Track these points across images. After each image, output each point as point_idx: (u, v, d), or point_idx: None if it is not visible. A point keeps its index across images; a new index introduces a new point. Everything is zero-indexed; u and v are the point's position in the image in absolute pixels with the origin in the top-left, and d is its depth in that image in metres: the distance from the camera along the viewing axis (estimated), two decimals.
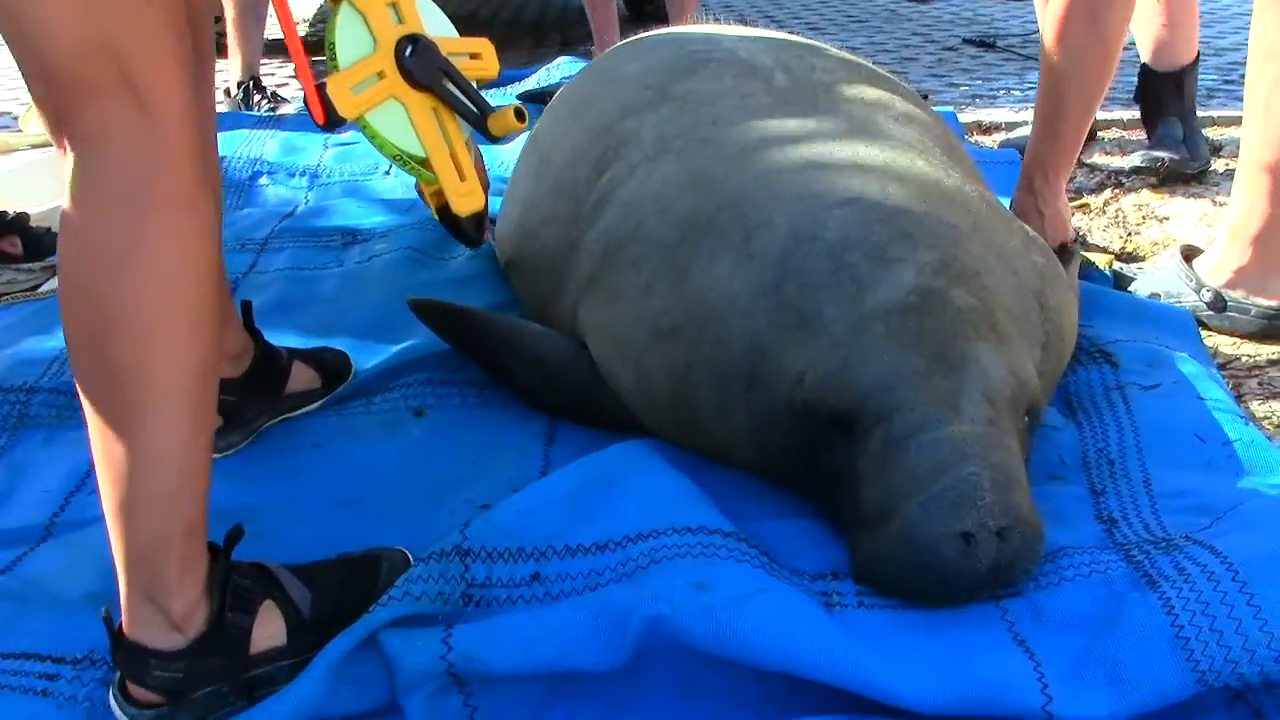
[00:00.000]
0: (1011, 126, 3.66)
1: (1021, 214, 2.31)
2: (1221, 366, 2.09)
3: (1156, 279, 2.35)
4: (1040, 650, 1.31)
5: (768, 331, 1.55)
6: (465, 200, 1.53)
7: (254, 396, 1.83)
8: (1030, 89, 4.25)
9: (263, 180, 3.13)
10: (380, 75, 1.51)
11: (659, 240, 1.71)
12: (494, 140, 1.58)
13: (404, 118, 1.49)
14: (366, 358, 2.03)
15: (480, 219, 1.74)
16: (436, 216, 1.76)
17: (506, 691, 1.31)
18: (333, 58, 1.54)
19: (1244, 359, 2.15)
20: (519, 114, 1.54)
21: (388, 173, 3.06)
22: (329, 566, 1.44)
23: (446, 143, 1.53)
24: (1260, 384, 2.06)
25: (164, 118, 1.17)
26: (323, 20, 5.72)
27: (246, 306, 1.86)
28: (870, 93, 1.99)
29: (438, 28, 1.69)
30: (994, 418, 1.44)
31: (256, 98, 4.12)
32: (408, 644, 1.30)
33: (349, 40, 1.55)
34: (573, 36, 5.54)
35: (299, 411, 1.91)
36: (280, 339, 1.92)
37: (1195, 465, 1.69)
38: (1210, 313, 2.25)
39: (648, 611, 1.29)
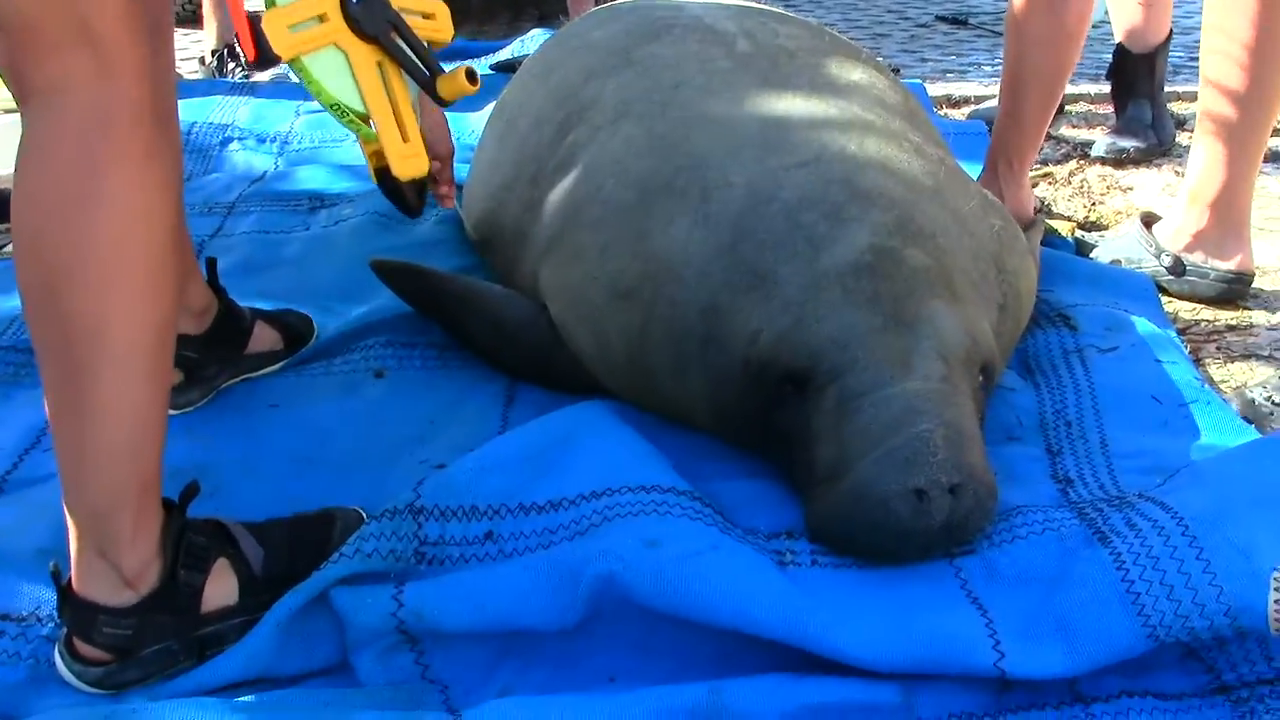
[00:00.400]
0: (980, 100, 3.66)
1: None
2: (1181, 331, 2.10)
3: (1117, 245, 2.36)
4: (993, 607, 1.31)
5: (723, 291, 1.55)
6: (407, 163, 1.43)
7: (215, 354, 1.82)
8: (1001, 65, 4.25)
9: (233, 146, 3.11)
10: (322, 18, 1.41)
11: (618, 202, 1.71)
12: (444, 104, 1.49)
13: (345, 67, 1.40)
14: (329, 320, 2.02)
15: (422, 186, 1.66)
16: (374, 179, 1.66)
17: (458, 649, 1.31)
18: None
19: (1203, 324, 2.16)
20: (470, 76, 1.44)
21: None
22: (282, 524, 1.44)
23: (390, 100, 1.44)
24: (1219, 348, 2.07)
25: (122, 70, 1.16)
26: None
27: (211, 264, 1.85)
28: (832, 59, 1.99)
29: None
30: (947, 375, 1.44)
31: (230, 65, 4.09)
32: (358, 601, 1.30)
33: None
34: (550, 10, 5.51)
35: (260, 372, 1.89)
36: (245, 300, 1.91)
37: (1152, 426, 1.70)
38: (1170, 277, 2.26)
39: (598, 569, 1.28)
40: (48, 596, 1.33)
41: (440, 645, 1.30)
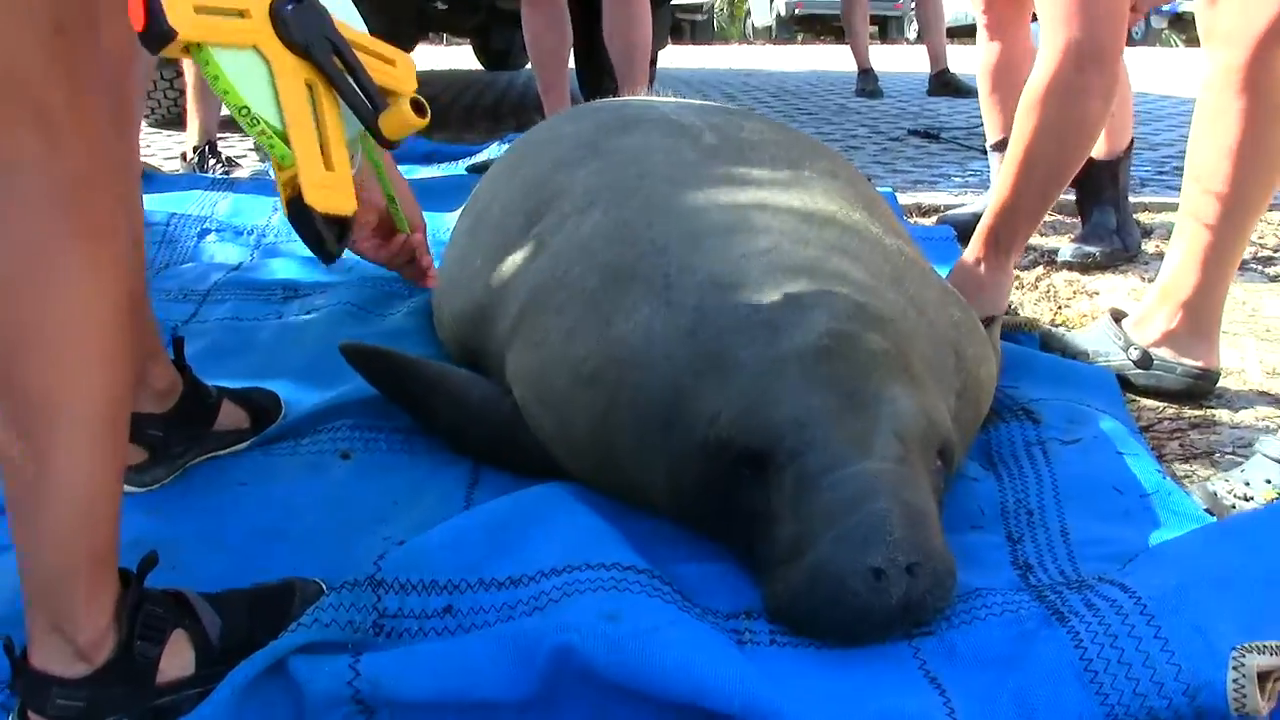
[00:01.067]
0: (950, 208, 3.72)
1: (962, 283, 2.35)
2: (1144, 429, 2.12)
3: (1085, 338, 2.38)
4: (951, 686, 1.31)
5: (685, 375, 1.57)
6: (325, 194, 1.22)
7: (180, 433, 1.83)
8: (972, 176, 4.34)
9: (210, 237, 3.16)
10: (242, 14, 1.21)
11: (583, 287, 1.73)
12: (388, 144, 1.31)
13: (264, 76, 1.21)
14: (297, 403, 2.03)
15: (345, 227, 1.33)
16: (285, 210, 1.32)
17: (413, 718, 1.29)
18: None
19: (1165, 422, 2.18)
20: (418, 107, 1.26)
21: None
22: (242, 595, 1.43)
23: (317, 125, 1.24)
24: (1181, 445, 2.08)
25: (75, 149, 1.16)
26: None
27: (178, 344, 1.86)
28: (795, 151, 2.03)
29: (348, 18, 1.37)
30: (905, 456, 1.45)
31: (211, 162, 4.17)
32: (315, 670, 1.28)
33: None
34: (529, 121, 5.58)
35: (227, 450, 1.90)
36: (215, 383, 1.92)
37: (1113, 516, 1.70)
38: (1137, 370, 2.27)
39: (556, 640, 1.28)
40: (3, 666, 1.31)
41: (397, 715, 1.29)
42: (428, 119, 1.29)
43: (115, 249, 1.21)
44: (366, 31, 1.36)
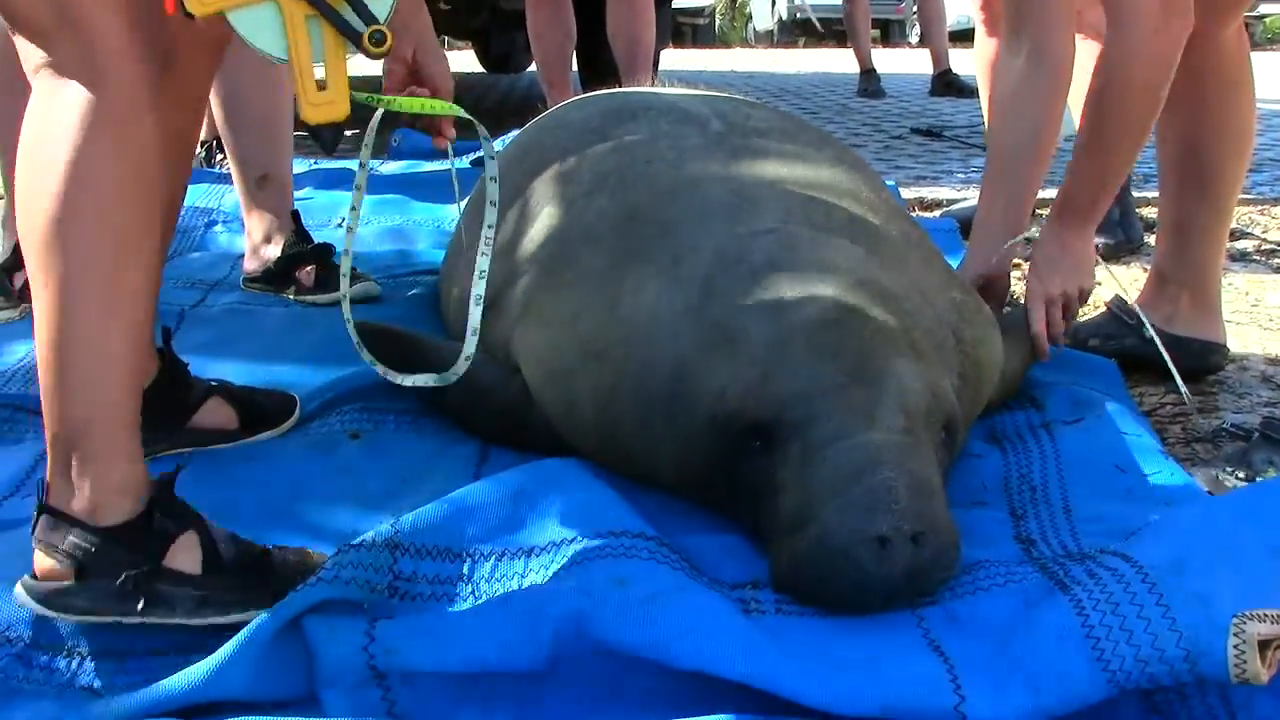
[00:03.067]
0: (953, 203, 3.73)
1: (1044, 252, 2.17)
2: (1147, 414, 2.13)
3: (1092, 326, 2.39)
4: (954, 654, 1.32)
5: (692, 350, 1.58)
6: (316, 110, 1.45)
7: (147, 420, 1.69)
8: (974, 173, 4.35)
9: (217, 228, 3.21)
10: None
11: (591, 268, 1.75)
12: (374, 56, 1.49)
13: (274, 20, 1.41)
14: (305, 386, 2.04)
15: (340, 128, 1.56)
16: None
17: (423, 687, 1.31)
18: None
19: (1167, 407, 2.19)
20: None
21: (339, 225, 3.11)
22: (255, 546, 1.46)
23: (320, 53, 1.45)
24: (1184, 429, 2.10)
25: (102, 52, 1.32)
26: None
27: (166, 333, 1.86)
28: (803, 138, 2.05)
29: None
30: (910, 428, 1.47)
31: (218, 156, 4.17)
32: (331, 634, 1.30)
33: None
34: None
35: (207, 448, 1.86)
36: (220, 368, 1.93)
37: (1115, 494, 1.72)
38: (1151, 347, 2.23)
39: (565, 605, 1.30)
40: (19, 616, 1.36)
41: (407, 683, 1.30)
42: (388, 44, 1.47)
43: (142, 133, 1.36)
44: None
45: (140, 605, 1.34)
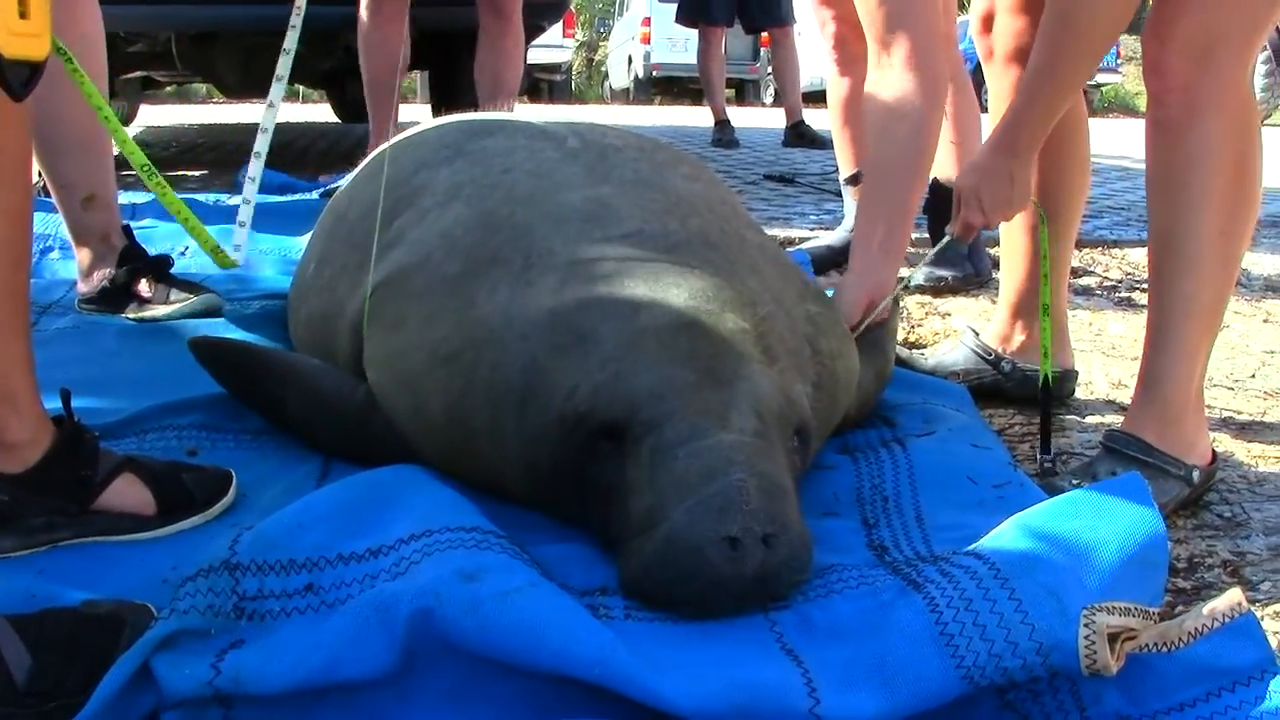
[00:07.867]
0: (804, 241, 3.77)
1: (989, 175, 2.05)
2: (997, 433, 2.15)
3: (948, 358, 2.42)
4: (808, 657, 1.30)
5: (543, 351, 1.55)
6: (16, 40, 1.26)
7: (41, 503, 1.52)
8: (826, 215, 4.41)
9: (53, 255, 3.13)
10: None
11: (444, 272, 1.71)
12: None
13: None
14: (142, 401, 1.95)
15: (35, 70, 1.35)
16: None
17: (269, 705, 1.23)
18: None
19: (1016, 427, 2.22)
20: None
21: (183, 253, 3.02)
22: (59, 617, 1.31)
23: None
24: (1032, 447, 2.12)
25: None
26: None
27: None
28: (659, 156, 2.04)
29: None
30: (762, 430, 1.45)
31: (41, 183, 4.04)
32: (175, 669, 1.21)
33: None
34: None
35: (120, 538, 1.56)
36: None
37: (967, 505, 1.72)
38: (1000, 378, 2.34)
39: (415, 605, 1.24)
40: None
41: (254, 708, 1.23)
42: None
43: None
44: None
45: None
